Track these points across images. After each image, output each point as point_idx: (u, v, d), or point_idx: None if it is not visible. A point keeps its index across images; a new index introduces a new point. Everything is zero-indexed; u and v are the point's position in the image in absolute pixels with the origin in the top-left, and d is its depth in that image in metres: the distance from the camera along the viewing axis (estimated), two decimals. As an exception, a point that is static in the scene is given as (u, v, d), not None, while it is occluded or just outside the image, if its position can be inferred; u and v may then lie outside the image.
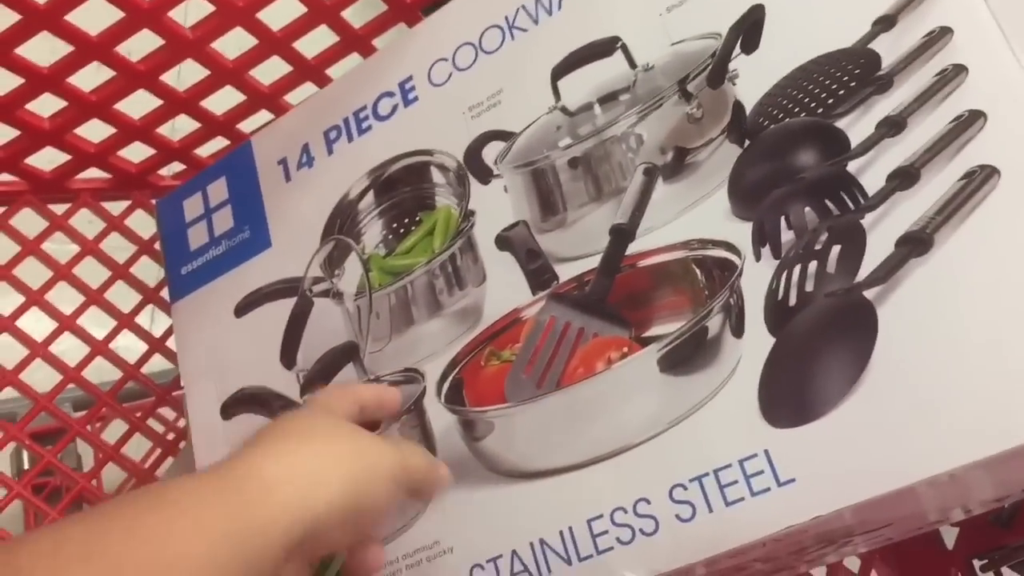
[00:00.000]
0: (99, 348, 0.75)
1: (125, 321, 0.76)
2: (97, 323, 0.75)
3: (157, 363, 0.78)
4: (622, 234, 0.49)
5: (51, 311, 0.74)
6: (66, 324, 0.74)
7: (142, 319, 0.77)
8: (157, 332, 0.77)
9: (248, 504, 0.36)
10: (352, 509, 0.39)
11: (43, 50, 0.65)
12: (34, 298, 0.74)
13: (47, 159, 0.74)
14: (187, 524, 0.35)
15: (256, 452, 0.39)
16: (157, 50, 0.67)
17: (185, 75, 0.72)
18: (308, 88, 0.74)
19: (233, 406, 0.60)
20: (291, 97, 0.75)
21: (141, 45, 0.66)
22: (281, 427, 0.42)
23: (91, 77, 0.67)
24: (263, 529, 0.36)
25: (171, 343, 0.76)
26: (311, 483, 0.38)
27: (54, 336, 0.74)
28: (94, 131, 0.73)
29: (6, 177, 0.74)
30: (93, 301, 0.76)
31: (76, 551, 0.32)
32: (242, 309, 0.61)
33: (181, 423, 0.81)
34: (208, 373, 0.62)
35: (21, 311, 0.73)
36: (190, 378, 0.63)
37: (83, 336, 0.75)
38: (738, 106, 0.47)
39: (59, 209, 0.76)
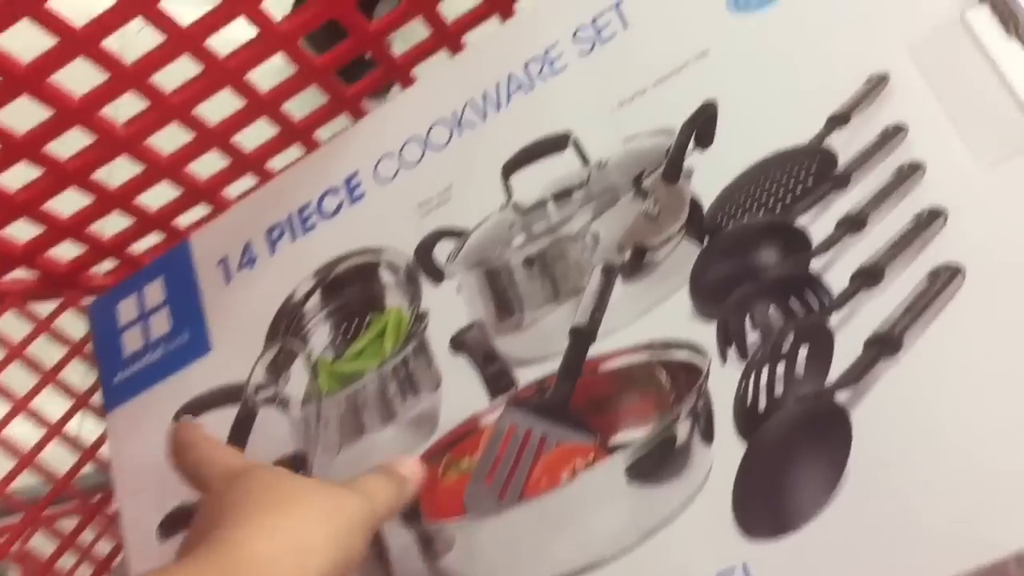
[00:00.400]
0: (26, 460, 0.71)
1: (54, 430, 0.72)
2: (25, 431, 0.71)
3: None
4: (582, 336, 0.47)
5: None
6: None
7: (71, 426, 0.73)
8: (87, 438, 0.73)
9: None
10: (341, 568, 0.39)
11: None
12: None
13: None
14: None
15: (242, 531, 0.38)
16: (88, 147, 0.64)
17: (117, 170, 0.70)
18: (248, 180, 0.72)
19: (172, 525, 0.56)
20: (231, 189, 0.72)
21: (72, 143, 0.64)
22: (254, 496, 0.40)
23: (19, 176, 0.64)
24: None
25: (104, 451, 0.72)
26: (303, 554, 0.37)
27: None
28: (21, 230, 0.69)
29: (-75, 282, 0.70)
30: (20, 408, 0.71)
31: None
32: (182, 418, 0.58)
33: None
34: (145, 488, 0.58)
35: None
36: (125, 493, 0.59)
37: (7, 447, 0.70)
38: (695, 203, 0.46)
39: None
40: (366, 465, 0.51)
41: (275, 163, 0.71)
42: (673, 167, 0.47)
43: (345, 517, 0.40)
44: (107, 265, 0.76)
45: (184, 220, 0.73)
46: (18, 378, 0.72)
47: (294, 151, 0.70)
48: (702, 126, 0.47)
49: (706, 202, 0.46)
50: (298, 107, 0.67)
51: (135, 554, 0.57)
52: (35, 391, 0.72)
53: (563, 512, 0.45)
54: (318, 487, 0.41)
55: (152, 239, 0.75)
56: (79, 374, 0.74)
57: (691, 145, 0.47)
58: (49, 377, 0.73)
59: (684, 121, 0.47)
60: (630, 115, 0.49)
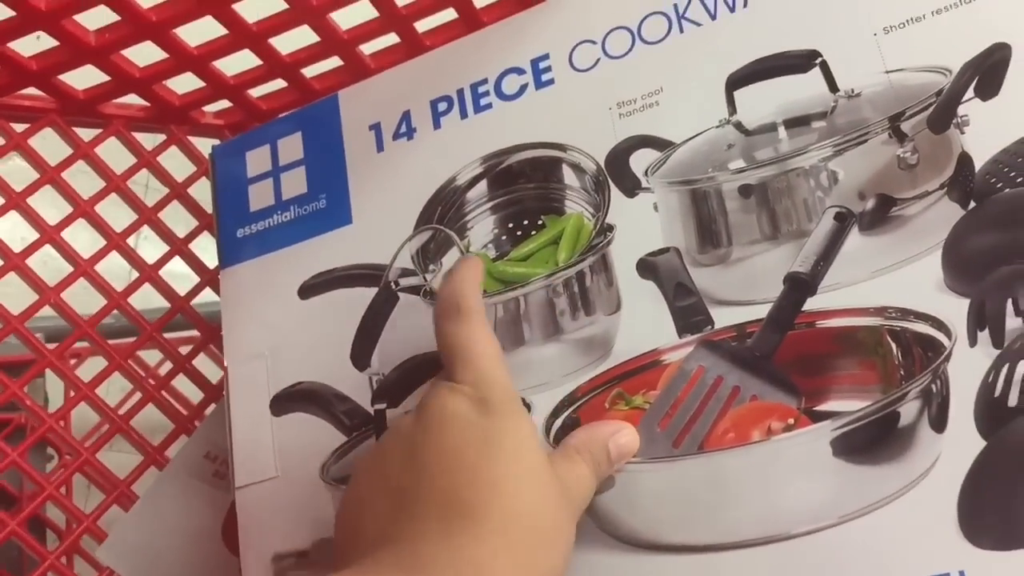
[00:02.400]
0: (116, 301, 0.66)
1: (148, 273, 0.67)
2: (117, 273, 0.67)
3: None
4: (801, 285, 0.42)
5: (66, 250, 0.65)
6: (82, 268, 0.65)
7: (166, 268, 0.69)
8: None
9: None
10: None
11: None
12: (50, 234, 0.64)
13: (79, 79, 0.65)
14: None
15: (483, 547, 0.34)
16: (232, -25, 0.58)
17: (256, 7, 0.63)
18: (389, 39, 0.65)
19: (286, 401, 0.52)
20: (369, 48, 0.66)
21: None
22: (500, 488, 0.35)
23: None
24: None
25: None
26: None
27: (69, 281, 0.65)
28: (140, 54, 0.63)
29: (32, 91, 0.64)
30: (115, 246, 0.67)
31: None
32: (308, 290, 0.53)
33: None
34: (258, 357, 0.54)
35: (33, 248, 0.64)
36: (236, 358, 0.55)
37: (98, 282, 0.66)
38: (965, 159, 0.40)
39: (86, 136, 0.67)
40: (520, 381, 0.46)
41: (425, 24, 0.64)
42: (944, 112, 0.41)
43: (570, 542, 0.36)
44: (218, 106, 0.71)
45: (311, 71, 0.68)
46: (116, 212, 0.67)
47: (447, 14, 0.63)
48: (988, 71, 0.40)
49: (978, 160, 0.40)
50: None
51: (240, 420, 0.53)
52: (131, 229, 0.68)
53: (749, 474, 0.41)
54: (571, 515, 0.37)
55: (272, 86, 0.69)
56: (178, 219, 0.69)
57: (970, 92, 0.41)
58: (148, 215, 0.68)
59: (966, 62, 0.41)
60: (897, 44, 0.42)
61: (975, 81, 0.41)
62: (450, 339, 0.39)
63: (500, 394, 0.38)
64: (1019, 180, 0.39)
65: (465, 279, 0.40)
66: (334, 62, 0.66)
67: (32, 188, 0.64)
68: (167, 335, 0.69)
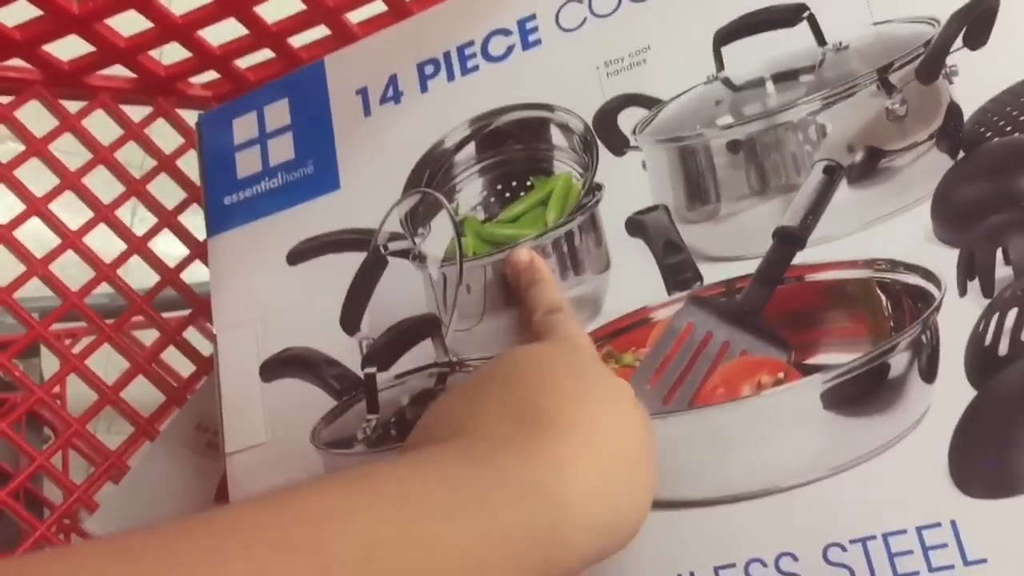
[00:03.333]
0: (105, 273, 0.66)
1: (137, 245, 0.67)
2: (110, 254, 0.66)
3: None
4: (790, 239, 0.42)
5: (53, 223, 0.65)
6: (70, 240, 0.65)
7: (156, 244, 0.68)
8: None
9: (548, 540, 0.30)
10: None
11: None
12: (36, 206, 0.64)
13: (64, 49, 0.64)
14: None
15: (551, 455, 0.31)
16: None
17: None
18: (376, 7, 0.65)
19: (275, 367, 0.52)
20: (356, 17, 0.65)
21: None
22: (578, 418, 0.33)
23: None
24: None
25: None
26: (612, 527, 0.32)
27: (56, 253, 0.64)
28: (125, 24, 0.63)
29: (18, 63, 0.64)
30: (103, 218, 0.66)
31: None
32: (297, 256, 0.53)
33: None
34: (248, 323, 0.53)
35: (19, 220, 0.64)
36: (225, 325, 0.54)
37: (86, 254, 0.65)
38: (954, 109, 0.40)
39: (72, 108, 0.67)
40: (508, 340, 0.46)
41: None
42: (932, 63, 0.40)
43: (652, 478, 0.35)
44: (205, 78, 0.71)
45: (298, 41, 0.67)
46: (104, 185, 0.67)
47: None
48: (976, 20, 0.40)
49: (968, 110, 0.40)
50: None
51: (230, 387, 0.53)
52: (119, 201, 0.67)
53: (740, 429, 0.41)
54: (646, 427, 0.36)
55: (259, 56, 0.69)
56: (167, 192, 0.69)
57: (958, 42, 0.40)
58: (136, 187, 0.67)
59: (954, 11, 0.40)
60: (885, -5, 0.42)
61: (963, 31, 0.40)
62: (546, 322, 0.41)
63: (588, 348, 0.39)
64: (1008, 129, 0.39)
65: (555, 283, 0.44)
66: (321, 31, 0.66)
67: (18, 160, 0.64)
68: (161, 315, 0.68)
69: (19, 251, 0.63)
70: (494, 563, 0.28)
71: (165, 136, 0.69)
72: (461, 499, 0.28)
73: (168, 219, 0.68)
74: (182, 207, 0.68)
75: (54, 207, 0.64)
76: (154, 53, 0.67)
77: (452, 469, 0.30)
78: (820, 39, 0.43)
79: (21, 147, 0.65)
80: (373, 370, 0.49)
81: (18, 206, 0.64)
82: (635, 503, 0.33)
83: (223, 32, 0.65)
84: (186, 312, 0.69)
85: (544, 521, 0.30)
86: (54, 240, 0.65)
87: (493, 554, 0.28)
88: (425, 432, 0.35)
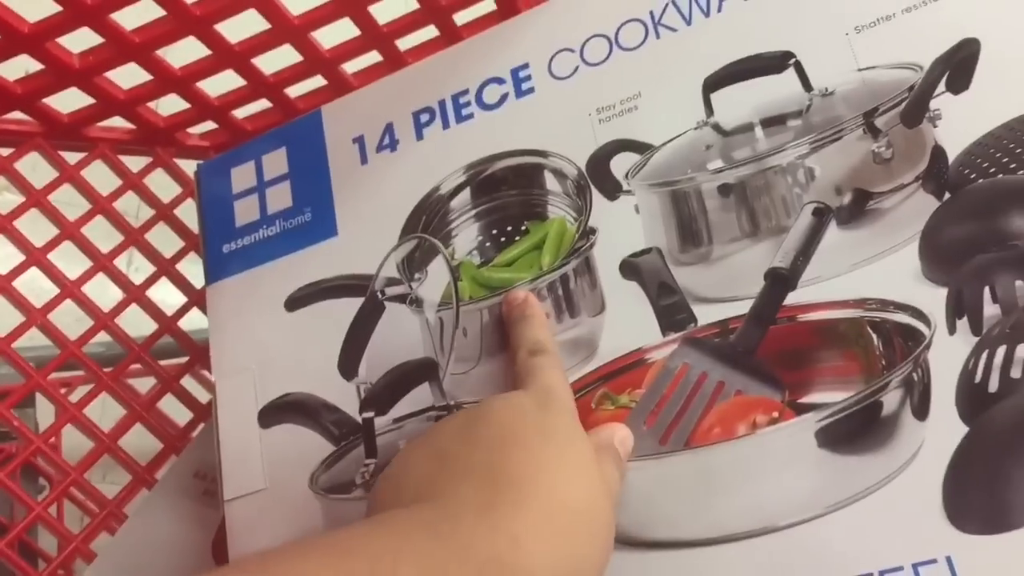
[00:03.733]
0: (103, 321, 0.66)
1: (135, 293, 0.68)
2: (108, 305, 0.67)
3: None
4: (781, 280, 0.42)
5: (53, 273, 0.65)
6: (69, 290, 0.65)
7: (154, 292, 0.69)
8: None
9: None
10: None
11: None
12: (36, 257, 0.64)
13: (64, 102, 0.65)
14: None
15: (510, 526, 0.32)
16: (214, -6, 0.59)
17: (238, 27, 0.64)
18: (371, 57, 0.66)
19: (274, 413, 0.52)
20: (352, 67, 0.67)
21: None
22: (544, 470, 0.34)
23: (135, 17, 0.59)
24: None
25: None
26: None
27: (55, 303, 0.65)
28: (124, 77, 0.64)
29: (18, 115, 0.65)
30: (101, 267, 0.67)
31: None
32: (295, 303, 0.53)
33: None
34: (246, 370, 0.54)
35: (20, 270, 0.64)
36: (223, 372, 0.55)
37: (88, 306, 0.66)
38: (938, 152, 0.41)
39: (71, 160, 0.68)
40: (504, 384, 0.47)
41: (406, 42, 0.65)
42: (917, 107, 0.42)
43: (611, 531, 0.35)
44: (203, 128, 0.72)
45: (295, 91, 0.68)
46: (102, 235, 0.68)
47: (428, 31, 0.64)
48: (958, 65, 0.41)
49: (952, 152, 0.41)
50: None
51: (228, 433, 0.53)
52: (117, 251, 0.68)
53: (736, 468, 0.41)
54: (607, 491, 0.37)
55: (256, 107, 0.70)
56: (165, 241, 0.69)
57: (941, 86, 0.41)
58: (135, 236, 0.68)
59: (936, 57, 0.42)
60: (869, 42, 0.43)
61: (946, 76, 0.41)
62: (527, 365, 0.41)
63: (561, 401, 0.39)
64: (992, 171, 0.40)
65: (543, 322, 0.45)
66: (318, 81, 0.67)
67: (18, 211, 0.65)
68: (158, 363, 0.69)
69: (18, 301, 0.64)
70: None
71: (159, 185, 0.70)
72: None
73: (166, 268, 0.68)
74: (180, 255, 0.69)
75: (52, 256, 0.65)
76: (152, 104, 0.68)
77: (419, 543, 0.31)
78: (807, 85, 0.44)
79: (20, 198, 0.65)
80: (371, 414, 0.49)
81: (16, 256, 0.65)
82: (592, 560, 0.34)
83: (221, 83, 0.66)
84: (183, 360, 0.70)
85: None
86: (48, 289, 0.65)
87: None
88: (391, 488, 0.36)
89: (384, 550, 0.30)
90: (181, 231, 0.70)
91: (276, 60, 0.65)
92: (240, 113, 0.70)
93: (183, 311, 0.68)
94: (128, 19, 0.59)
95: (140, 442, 0.69)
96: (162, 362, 0.70)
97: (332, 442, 0.50)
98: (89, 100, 0.65)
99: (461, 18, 0.63)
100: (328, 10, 0.60)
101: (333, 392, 0.51)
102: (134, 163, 0.70)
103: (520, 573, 0.31)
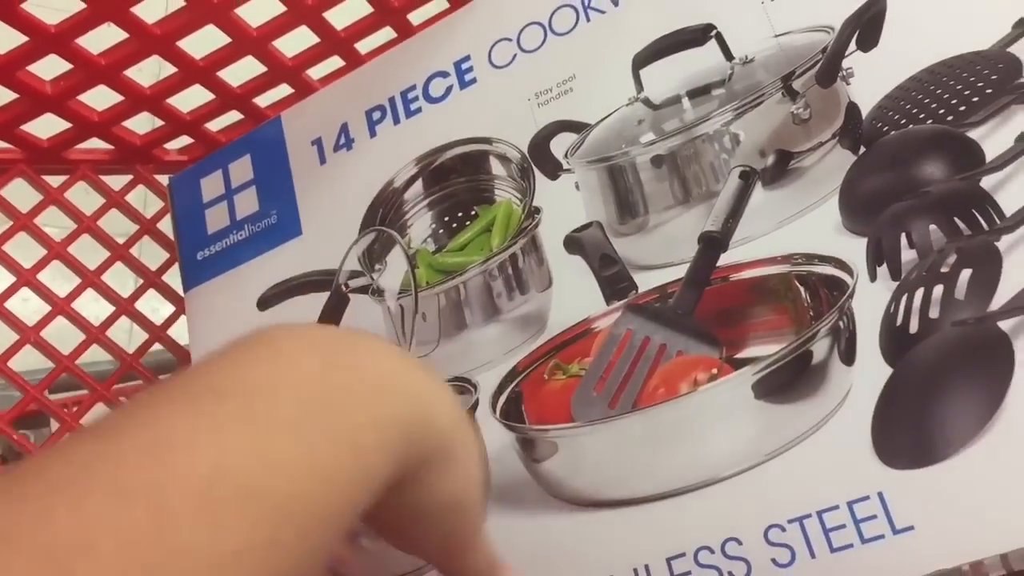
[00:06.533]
0: (95, 335, 0.69)
1: (124, 306, 0.70)
2: (94, 306, 0.69)
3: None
4: (713, 243, 0.44)
5: (44, 292, 0.68)
6: (59, 307, 0.68)
7: (142, 304, 0.71)
8: (157, 319, 0.71)
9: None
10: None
11: (50, 8, 0.59)
12: (26, 277, 0.67)
13: (43, 127, 0.68)
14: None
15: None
16: (174, 14, 0.61)
17: (200, 43, 0.66)
18: (333, 63, 0.68)
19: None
20: (314, 72, 0.69)
21: (155, 9, 0.60)
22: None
23: (100, 40, 0.61)
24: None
25: (172, 331, 0.71)
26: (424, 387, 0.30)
27: (47, 320, 0.67)
28: (98, 99, 0.67)
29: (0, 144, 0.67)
30: (90, 283, 0.69)
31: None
32: (266, 302, 0.56)
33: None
34: (225, 370, 0.56)
35: (11, 291, 0.67)
36: (204, 374, 0.57)
37: (79, 322, 0.68)
38: (852, 108, 0.43)
39: (55, 182, 0.70)
40: (466, 363, 0.49)
41: (364, 45, 0.67)
42: (830, 67, 0.43)
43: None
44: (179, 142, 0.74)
45: (263, 102, 0.71)
46: (87, 253, 0.70)
47: (385, 33, 0.66)
48: (867, 24, 0.43)
49: (865, 108, 0.42)
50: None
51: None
52: (104, 266, 0.70)
53: (680, 425, 0.43)
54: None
55: (228, 119, 0.72)
56: (149, 254, 0.72)
57: (852, 45, 0.43)
58: (120, 252, 0.70)
59: (847, 18, 0.43)
60: (782, 9, 0.45)
61: (856, 35, 0.43)
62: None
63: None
64: (903, 122, 0.42)
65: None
66: (285, 90, 0.69)
67: (6, 236, 0.67)
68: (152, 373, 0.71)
69: (11, 321, 0.66)
70: (344, 467, 0.26)
71: (141, 199, 0.72)
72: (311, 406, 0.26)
73: (152, 279, 0.71)
74: (165, 267, 0.71)
75: (41, 276, 0.68)
76: (130, 123, 0.70)
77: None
78: (728, 55, 0.46)
79: (8, 223, 0.68)
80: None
81: (7, 278, 0.68)
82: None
83: (191, 98, 0.69)
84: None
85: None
86: (38, 310, 0.68)
87: (344, 458, 0.26)
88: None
89: (264, 383, 0.26)
90: (166, 244, 0.72)
91: (241, 72, 0.68)
92: (213, 126, 0.73)
93: (172, 319, 0.70)
94: (95, 43, 0.61)
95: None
96: (162, 378, 0.72)
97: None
98: (66, 124, 0.67)
99: (417, 17, 0.65)
100: (285, 19, 0.63)
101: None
102: (115, 182, 0.73)
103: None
